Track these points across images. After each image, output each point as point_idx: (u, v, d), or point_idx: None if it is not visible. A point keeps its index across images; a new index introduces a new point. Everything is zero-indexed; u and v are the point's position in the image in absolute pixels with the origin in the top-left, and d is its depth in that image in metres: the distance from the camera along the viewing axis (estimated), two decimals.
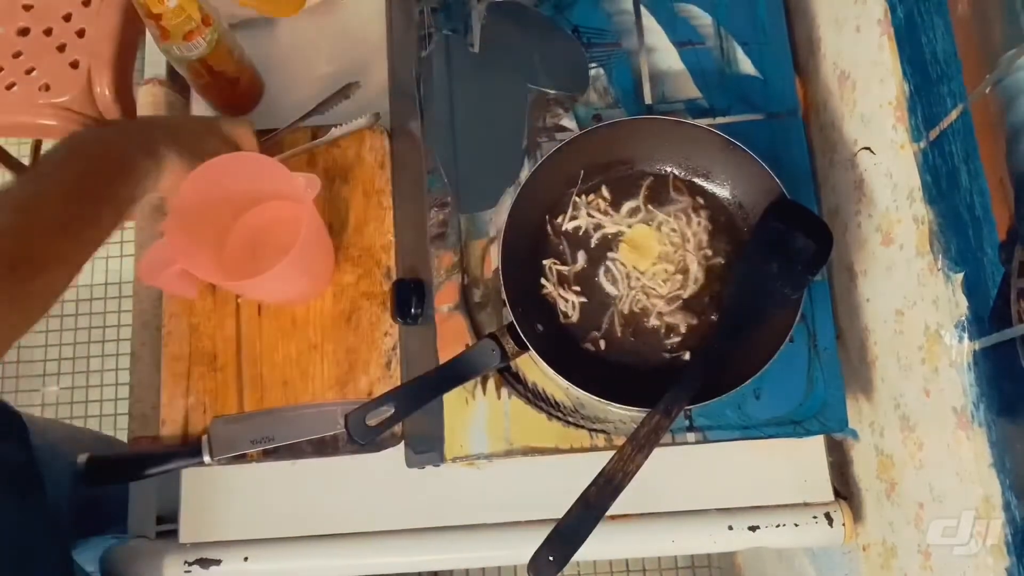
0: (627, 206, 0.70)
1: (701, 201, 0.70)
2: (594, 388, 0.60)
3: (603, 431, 0.67)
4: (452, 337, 0.70)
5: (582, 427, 0.67)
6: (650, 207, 0.70)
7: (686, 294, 0.68)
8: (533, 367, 0.68)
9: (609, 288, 0.68)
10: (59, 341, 1.74)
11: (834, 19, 0.69)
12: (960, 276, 0.49)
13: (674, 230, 0.69)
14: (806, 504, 0.69)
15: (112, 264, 1.79)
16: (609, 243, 0.70)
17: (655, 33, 0.76)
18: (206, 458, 0.70)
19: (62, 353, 1.73)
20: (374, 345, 0.72)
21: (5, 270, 0.50)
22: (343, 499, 0.73)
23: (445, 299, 0.71)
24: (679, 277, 0.68)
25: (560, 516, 0.53)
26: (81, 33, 1.30)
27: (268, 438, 0.70)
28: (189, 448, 0.71)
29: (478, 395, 0.68)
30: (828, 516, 0.68)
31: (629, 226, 0.69)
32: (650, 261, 0.68)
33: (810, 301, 0.68)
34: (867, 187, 0.63)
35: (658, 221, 0.69)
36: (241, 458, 0.70)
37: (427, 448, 0.68)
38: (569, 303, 0.68)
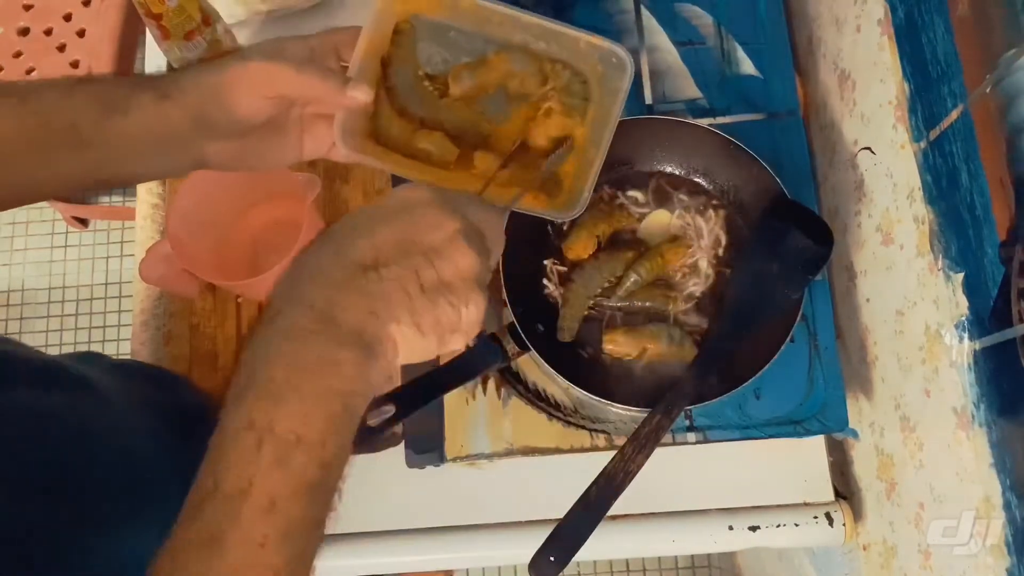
0: (638, 195, 0.70)
1: (714, 200, 0.70)
2: (595, 388, 0.60)
3: (603, 431, 0.67)
4: None
5: (582, 427, 0.67)
6: (678, 196, 0.70)
7: (698, 292, 0.68)
8: (533, 367, 0.68)
9: None
10: (59, 341, 1.74)
11: (834, 19, 0.69)
12: (960, 276, 0.49)
13: (688, 224, 0.69)
14: (806, 504, 0.69)
15: (112, 264, 1.79)
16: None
17: (655, 33, 0.76)
18: None
19: (62, 352, 1.73)
20: None
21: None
22: (343, 499, 0.73)
23: None
24: (691, 274, 0.68)
25: (560, 516, 0.53)
26: (81, 33, 1.30)
27: None
28: None
29: (478, 395, 0.68)
30: (828, 516, 0.68)
31: (639, 219, 0.69)
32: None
33: (810, 301, 0.68)
34: (867, 187, 0.63)
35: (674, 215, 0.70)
36: None
37: (427, 448, 0.68)
38: None
